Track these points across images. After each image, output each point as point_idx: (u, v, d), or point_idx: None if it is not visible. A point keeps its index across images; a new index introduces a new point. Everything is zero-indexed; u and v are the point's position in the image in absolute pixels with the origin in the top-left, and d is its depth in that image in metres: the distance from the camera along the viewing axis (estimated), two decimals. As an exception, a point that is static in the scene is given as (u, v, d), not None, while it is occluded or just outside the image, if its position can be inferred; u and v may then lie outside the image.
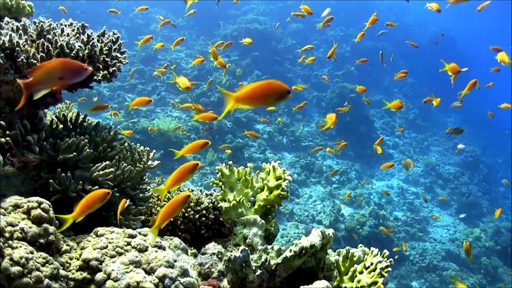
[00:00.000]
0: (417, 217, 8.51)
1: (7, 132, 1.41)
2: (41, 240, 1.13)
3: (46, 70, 1.25)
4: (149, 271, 1.21)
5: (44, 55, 1.45)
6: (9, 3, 1.58)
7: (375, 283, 1.40)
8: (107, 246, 1.24)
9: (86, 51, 1.54)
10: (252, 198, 1.73)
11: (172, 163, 6.48)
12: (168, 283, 1.19)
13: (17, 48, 1.38)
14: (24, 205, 1.16)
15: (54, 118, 1.70)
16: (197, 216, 1.75)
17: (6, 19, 1.50)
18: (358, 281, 1.42)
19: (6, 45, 1.37)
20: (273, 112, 9.62)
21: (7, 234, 1.05)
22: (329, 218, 7.24)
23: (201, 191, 1.91)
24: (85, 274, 1.18)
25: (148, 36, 4.75)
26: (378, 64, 13.63)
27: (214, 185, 1.78)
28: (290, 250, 1.46)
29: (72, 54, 1.52)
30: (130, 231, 1.30)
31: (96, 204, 1.30)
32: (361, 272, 1.45)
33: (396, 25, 6.19)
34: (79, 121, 1.65)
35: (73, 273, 1.17)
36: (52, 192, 1.36)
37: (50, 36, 1.46)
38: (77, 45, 1.52)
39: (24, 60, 1.40)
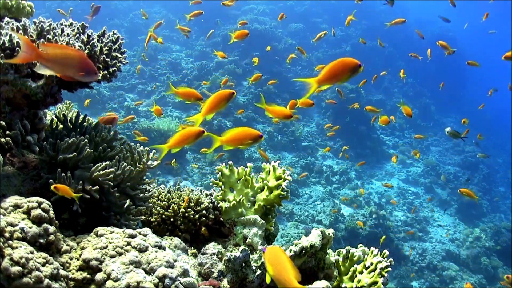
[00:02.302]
0: (417, 217, 8.52)
1: (7, 132, 1.41)
2: (41, 240, 1.13)
3: (65, 54, 1.23)
4: (149, 271, 1.21)
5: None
6: (9, 3, 1.58)
7: (375, 283, 1.40)
8: (107, 246, 1.24)
9: (86, 51, 1.54)
10: (252, 198, 1.73)
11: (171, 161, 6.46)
12: (168, 283, 1.19)
13: (17, 48, 1.38)
14: (24, 205, 1.16)
15: (54, 118, 1.70)
16: (197, 216, 1.75)
17: (6, 19, 1.50)
18: (358, 281, 1.42)
19: (6, 45, 1.37)
20: (273, 112, 9.63)
21: (7, 234, 1.05)
22: (329, 218, 7.24)
23: (201, 191, 1.91)
24: (85, 274, 1.18)
25: (150, 34, 4.69)
26: (378, 64, 13.65)
27: (214, 185, 1.78)
28: (290, 250, 1.46)
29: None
30: (130, 231, 1.30)
31: (190, 139, 1.41)
32: (361, 272, 1.45)
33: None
34: (79, 121, 1.65)
35: (73, 273, 1.17)
36: (52, 192, 1.36)
37: (50, 36, 1.46)
38: (77, 45, 1.52)
39: (24, 60, 1.40)
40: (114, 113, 2.80)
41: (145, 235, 1.33)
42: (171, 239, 1.57)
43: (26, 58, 1.22)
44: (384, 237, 5.03)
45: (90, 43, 1.56)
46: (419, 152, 9.31)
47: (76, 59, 1.24)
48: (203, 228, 1.75)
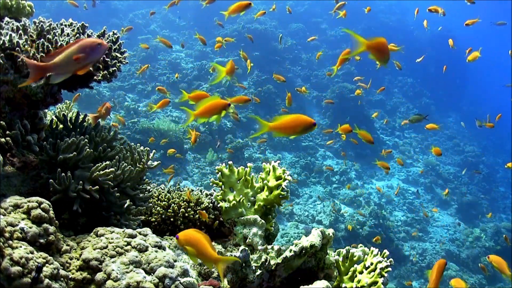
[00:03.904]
0: (417, 217, 8.52)
1: (7, 132, 1.41)
2: (41, 240, 1.13)
3: (67, 53, 1.24)
4: (149, 271, 1.21)
5: (44, 55, 1.45)
6: (9, 3, 1.58)
7: (375, 283, 1.40)
8: (107, 246, 1.24)
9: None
10: (252, 198, 1.73)
11: (172, 163, 6.47)
12: (168, 283, 1.19)
13: (17, 48, 1.38)
14: (24, 205, 1.16)
15: (54, 118, 1.70)
16: (197, 216, 1.75)
17: (6, 19, 1.50)
18: (358, 281, 1.42)
19: (6, 45, 1.37)
20: (273, 112, 9.63)
21: (7, 234, 1.05)
22: (329, 218, 7.24)
23: (201, 191, 1.91)
24: (85, 274, 1.18)
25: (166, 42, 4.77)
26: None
27: (214, 185, 1.78)
28: (290, 250, 1.46)
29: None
30: (130, 231, 1.30)
31: (216, 110, 1.49)
32: (361, 272, 1.45)
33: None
34: (79, 121, 1.65)
35: (73, 273, 1.17)
36: (52, 192, 1.36)
37: (50, 36, 1.46)
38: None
39: (24, 60, 1.40)
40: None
41: (145, 235, 1.33)
42: (171, 239, 1.57)
43: (37, 77, 1.26)
44: (377, 237, 5.01)
45: (90, 43, 1.56)
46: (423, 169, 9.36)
47: (75, 50, 1.25)
48: (202, 212, 1.74)
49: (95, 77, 1.60)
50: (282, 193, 1.67)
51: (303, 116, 1.38)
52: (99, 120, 2.09)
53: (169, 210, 1.75)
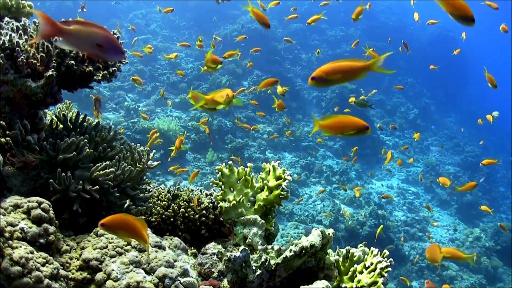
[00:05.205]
0: (417, 217, 8.52)
1: (7, 132, 1.41)
2: (41, 240, 1.13)
3: (87, 30, 1.18)
4: (149, 271, 1.21)
5: (44, 55, 1.45)
6: (9, 3, 1.58)
7: (375, 283, 1.40)
8: (107, 246, 1.24)
9: (86, 51, 1.54)
10: (252, 198, 1.73)
11: (172, 163, 6.47)
12: (168, 283, 1.19)
13: (17, 48, 1.38)
14: (24, 205, 1.16)
15: (54, 118, 1.70)
16: (197, 216, 1.75)
17: (6, 19, 1.50)
18: (358, 281, 1.42)
19: (6, 45, 1.37)
20: (273, 112, 9.63)
21: (7, 234, 1.05)
22: (329, 218, 7.24)
23: (201, 191, 1.91)
24: (85, 274, 1.18)
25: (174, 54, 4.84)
26: (378, 64, 13.64)
27: (214, 185, 1.78)
28: (290, 250, 1.46)
29: (72, 54, 1.52)
30: (130, 231, 1.30)
31: (224, 99, 1.56)
32: (361, 272, 1.45)
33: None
34: (79, 121, 1.65)
35: (73, 273, 1.17)
36: (52, 192, 1.36)
37: (50, 36, 1.46)
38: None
39: (24, 60, 1.40)
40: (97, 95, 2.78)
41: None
42: (171, 239, 1.56)
43: (47, 34, 1.18)
44: (381, 226, 4.95)
45: (90, 43, 1.56)
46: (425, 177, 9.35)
47: (100, 36, 1.19)
48: (195, 203, 1.74)
49: (95, 77, 1.60)
50: (282, 193, 1.67)
51: (354, 118, 1.30)
52: (99, 120, 2.09)
53: (169, 210, 1.75)
